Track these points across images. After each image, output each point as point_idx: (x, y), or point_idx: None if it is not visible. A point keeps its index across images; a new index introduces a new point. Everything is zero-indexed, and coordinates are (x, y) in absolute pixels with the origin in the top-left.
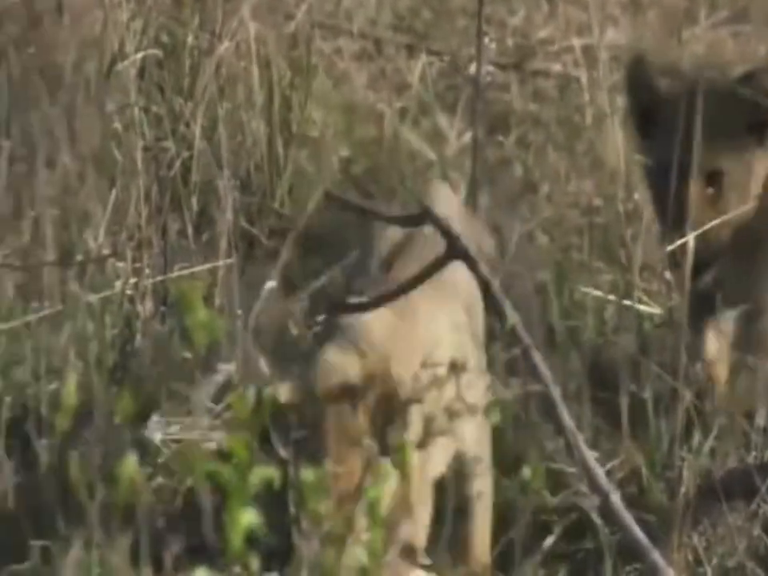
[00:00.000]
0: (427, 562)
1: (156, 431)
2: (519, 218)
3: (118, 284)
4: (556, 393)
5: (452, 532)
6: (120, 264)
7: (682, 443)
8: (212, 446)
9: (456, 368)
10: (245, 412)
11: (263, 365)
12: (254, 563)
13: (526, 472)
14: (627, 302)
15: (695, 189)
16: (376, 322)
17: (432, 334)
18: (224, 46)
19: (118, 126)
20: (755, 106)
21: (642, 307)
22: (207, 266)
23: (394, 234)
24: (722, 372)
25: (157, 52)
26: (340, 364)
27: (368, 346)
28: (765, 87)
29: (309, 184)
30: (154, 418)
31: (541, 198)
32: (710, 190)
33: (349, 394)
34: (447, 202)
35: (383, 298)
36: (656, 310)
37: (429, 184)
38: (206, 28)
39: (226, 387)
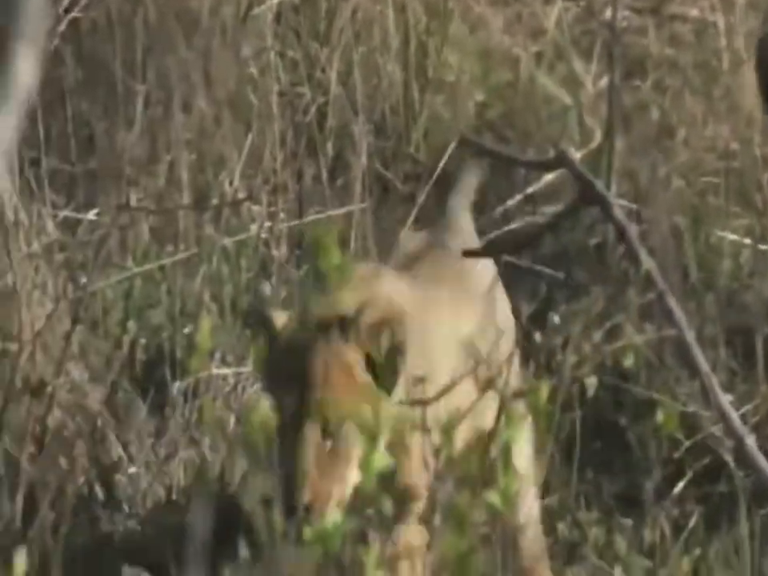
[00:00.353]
0: None
1: None
2: (655, 162)
3: (253, 228)
4: (690, 337)
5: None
6: (255, 208)
7: None
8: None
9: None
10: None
11: None
12: (387, 506)
13: (660, 416)
14: (763, 247)
15: None
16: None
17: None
18: None
19: (253, 70)
20: None
21: None
22: (342, 210)
23: (413, 242)
24: None
25: None
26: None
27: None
28: None
29: (444, 129)
30: None
31: (677, 143)
32: None
33: (342, 323)
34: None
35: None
36: None
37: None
38: None
39: None
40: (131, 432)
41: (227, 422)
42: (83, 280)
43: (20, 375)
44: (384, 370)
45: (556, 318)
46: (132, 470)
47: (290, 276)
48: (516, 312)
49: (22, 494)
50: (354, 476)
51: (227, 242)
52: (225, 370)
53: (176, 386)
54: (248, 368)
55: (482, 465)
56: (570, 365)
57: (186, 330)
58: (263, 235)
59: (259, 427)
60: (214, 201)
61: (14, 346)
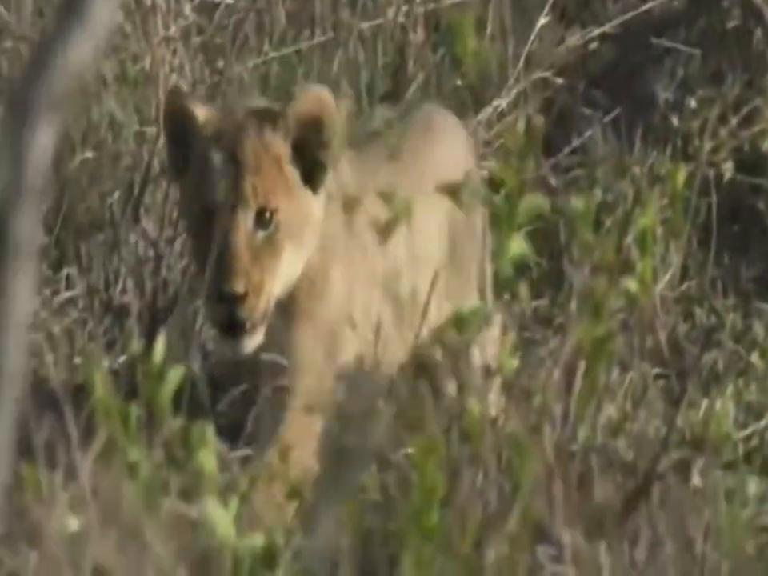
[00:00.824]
0: None
1: None
2: None
3: (390, 12)
4: None
5: None
6: None
7: None
8: (483, 174)
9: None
10: (515, 140)
11: None
12: (523, 291)
13: None
14: None
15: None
16: None
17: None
18: None
19: None
20: None
21: None
22: None
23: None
24: None
25: None
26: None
27: None
28: None
29: None
30: None
31: None
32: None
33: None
34: (454, 131)
35: None
36: None
37: (433, 113)
38: None
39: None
40: None
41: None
42: (220, 63)
43: (158, 159)
44: (310, 163)
45: (693, 103)
46: None
47: (426, 60)
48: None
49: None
50: (284, 269)
51: (364, 26)
52: None
53: None
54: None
55: (617, 251)
56: (707, 150)
57: None
58: (400, 19)
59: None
60: None
61: (152, 130)
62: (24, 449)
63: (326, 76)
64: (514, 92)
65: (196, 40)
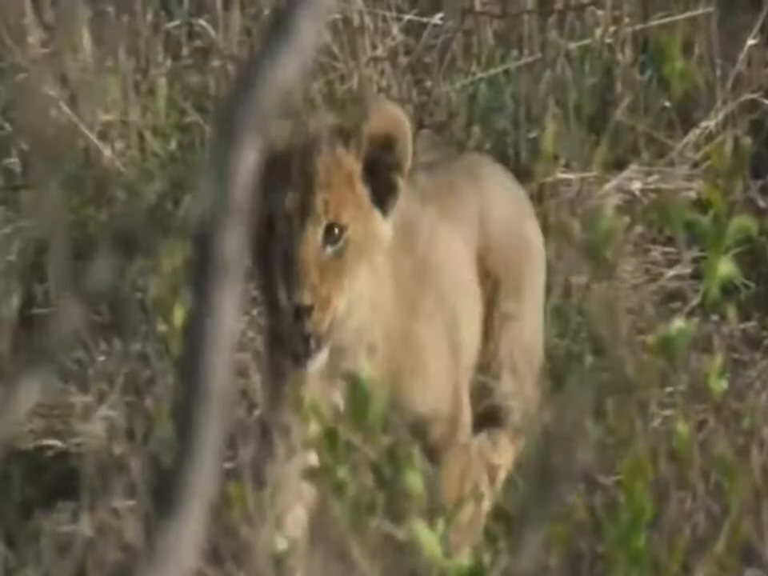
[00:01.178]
0: None
1: (635, 180)
2: None
3: (598, 32)
4: None
5: None
6: (599, 12)
7: None
8: (690, 195)
9: None
10: (723, 162)
11: None
12: (732, 312)
13: None
14: None
15: None
16: None
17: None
18: None
19: None
20: None
21: None
22: (687, 15)
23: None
24: None
25: None
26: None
27: None
28: None
29: None
30: (633, 167)
31: None
32: None
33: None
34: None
35: None
36: None
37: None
38: None
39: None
40: None
41: (571, 227)
42: (427, 83)
43: None
44: (381, 184)
45: None
46: None
47: (633, 81)
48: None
49: None
50: (351, 287)
51: (571, 46)
52: (569, 175)
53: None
54: (593, 173)
55: None
56: None
57: (531, 135)
58: (607, 40)
59: (604, 233)
60: (558, 5)
61: None
62: (231, 468)
63: (534, 96)
64: (721, 114)
65: (403, 60)
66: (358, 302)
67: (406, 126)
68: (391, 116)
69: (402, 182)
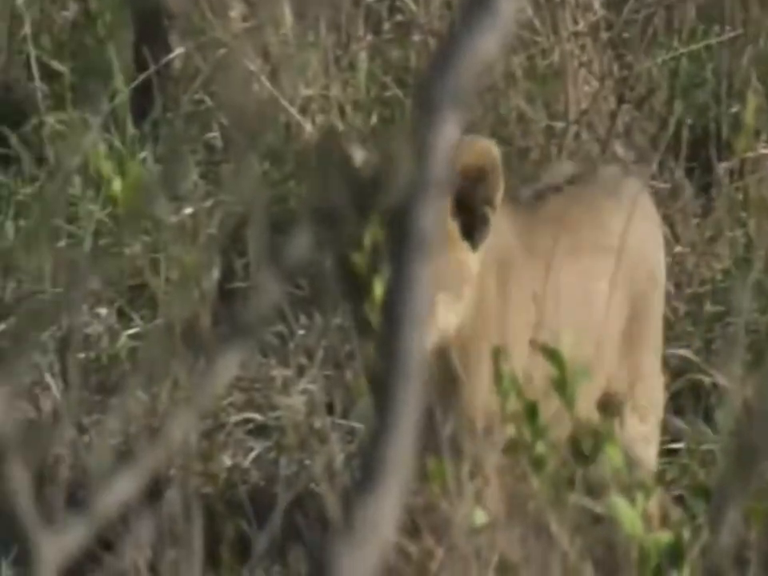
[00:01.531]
0: None
1: None
2: None
3: None
4: None
5: None
6: None
7: None
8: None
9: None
10: None
11: None
12: None
13: None
14: None
15: None
16: None
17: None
18: None
19: None
20: None
21: None
22: None
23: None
24: None
25: None
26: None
27: None
28: None
29: None
30: None
31: None
32: None
33: None
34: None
35: None
36: None
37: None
38: None
39: None
40: (676, 211)
41: None
42: (629, 59)
43: (565, 153)
44: (473, 217)
45: None
46: (677, 248)
47: None
48: None
49: None
50: (438, 321)
51: None
52: None
53: (722, 166)
54: None
55: None
56: None
57: (733, 110)
58: None
59: None
60: None
61: (560, 125)
62: (429, 442)
63: (736, 70)
64: None
65: (604, 35)
66: (444, 335)
67: (497, 159)
68: (483, 150)
69: (492, 215)
